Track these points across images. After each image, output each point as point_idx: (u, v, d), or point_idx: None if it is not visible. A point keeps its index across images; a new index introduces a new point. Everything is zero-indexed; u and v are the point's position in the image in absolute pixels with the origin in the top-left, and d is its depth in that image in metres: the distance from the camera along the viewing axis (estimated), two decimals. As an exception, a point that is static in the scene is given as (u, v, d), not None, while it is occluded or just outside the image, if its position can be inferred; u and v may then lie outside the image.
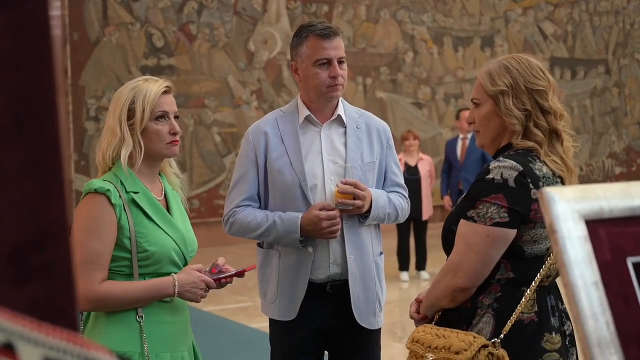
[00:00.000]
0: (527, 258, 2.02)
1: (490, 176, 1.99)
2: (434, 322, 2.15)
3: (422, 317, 2.20)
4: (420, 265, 8.41)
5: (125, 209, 2.16)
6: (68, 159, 10.30)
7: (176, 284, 2.17)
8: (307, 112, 2.72)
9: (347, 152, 2.71)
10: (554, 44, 14.84)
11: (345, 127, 2.74)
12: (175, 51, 11.32)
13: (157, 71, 11.02)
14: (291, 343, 2.70)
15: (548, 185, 2.00)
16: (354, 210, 2.62)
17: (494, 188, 1.97)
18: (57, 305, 0.52)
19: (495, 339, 1.96)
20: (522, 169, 1.98)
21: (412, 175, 7.94)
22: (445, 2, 13.59)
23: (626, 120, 15.60)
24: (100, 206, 2.14)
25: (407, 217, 2.90)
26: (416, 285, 8.02)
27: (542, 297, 2.05)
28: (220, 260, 2.31)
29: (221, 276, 2.27)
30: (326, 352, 2.81)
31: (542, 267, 1.99)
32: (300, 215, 2.61)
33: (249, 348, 5.55)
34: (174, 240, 2.23)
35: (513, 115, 2.06)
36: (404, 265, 8.31)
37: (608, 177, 15.17)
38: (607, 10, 15.48)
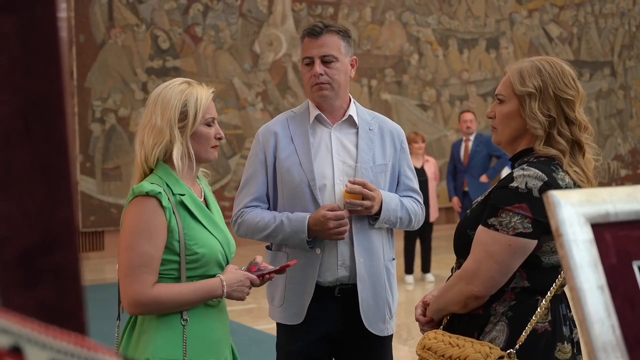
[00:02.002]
0: (543, 268, 1.98)
1: (514, 185, 1.94)
2: (442, 327, 2.10)
3: (428, 320, 2.16)
4: (426, 267, 8.41)
5: (174, 212, 2.14)
6: (74, 161, 10.30)
7: (224, 284, 2.16)
8: (317, 112, 2.70)
9: (358, 152, 2.67)
10: (560, 46, 14.81)
11: (357, 128, 2.71)
12: (181, 53, 11.34)
13: (162, 73, 11.04)
14: (297, 348, 2.66)
15: None
16: (362, 211, 2.58)
17: (518, 197, 1.92)
18: (65, 308, 0.53)
19: (511, 350, 1.91)
20: (547, 179, 1.93)
21: (418, 178, 7.93)
22: (450, 4, 13.58)
23: (632, 122, 15.56)
24: (151, 209, 2.11)
25: (421, 223, 2.83)
26: (421, 287, 8.01)
27: (555, 306, 2.01)
28: (259, 259, 2.31)
29: (265, 272, 2.27)
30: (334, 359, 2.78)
31: (557, 277, 1.95)
32: (307, 215, 2.58)
33: (254, 350, 5.55)
34: (219, 242, 2.22)
35: (537, 120, 2.01)
36: (409, 268, 8.31)
37: (613, 180, 15.13)
38: (612, 12, 15.44)
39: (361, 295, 2.62)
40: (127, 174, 10.70)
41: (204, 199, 2.32)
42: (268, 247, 2.78)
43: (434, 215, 8.26)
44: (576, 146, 2.03)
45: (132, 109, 10.83)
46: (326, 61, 2.64)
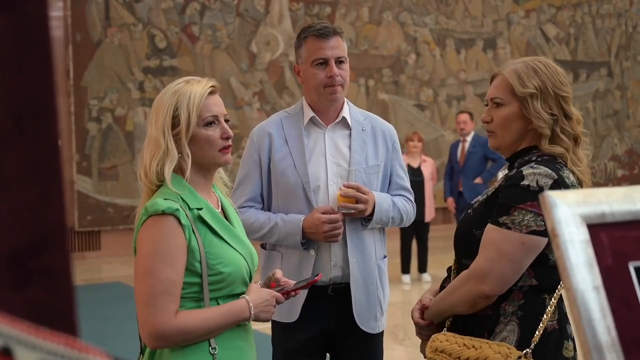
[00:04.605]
0: (550, 266, 1.98)
1: (525, 183, 1.95)
2: (445, 329, 2.08)
3: (427, 323, 2.14)
4: (422, 267, 8.40)
5: (193, 230, 1.93)
6: (69, 161, 10.30)
7: (251, 305, 1.96)
8: (312, 114, 2.71)
9: (351, 154, 2.69)
10: (557, 47, 14.83)
11: (350, 129, 2.73)
12: (178, 52, 11.33)
13: (159, 72, 11.03)
14: (292, 345, 2.70)
15: None
16: (356, 214, 2.61)
17: (530, 195, 1.93)
18: (56, 309, 0.52)
19: (527, 350, 1.91)
20: (556, 177, 1.95)
21: (415, 177, 7.93)
22: (447, 4, 13.59)
23: (628, 122, 15.58)
24: (169, 229, 1.89)
25: (412, 221, 2.86)
26: (418, 287, 8.01)
27: (560, 304, 2.02)
28: (278, 274, 2.14)
29: (290, 289, 2.10)
30: (328, 355, 2.81)
31: None
32: (302, 217, 2.60)
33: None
34: (243, 257, 2.02)
35: (542, 119, 2.01)
36: (406, 268, 8.31)
37: (610, 180, 15.16)
38: (609, 12, 15.46)
39: (354, 295, 2.65)
40: (123, 174, 10.69)
41: (222, 209, 2.10)
42: (262, 246, 2.80)
43: (430, 215, 8.26)
44: (574, 142, 2.07)
45: (129, 109, 10.82)
46: (339, 62, 2.67)
